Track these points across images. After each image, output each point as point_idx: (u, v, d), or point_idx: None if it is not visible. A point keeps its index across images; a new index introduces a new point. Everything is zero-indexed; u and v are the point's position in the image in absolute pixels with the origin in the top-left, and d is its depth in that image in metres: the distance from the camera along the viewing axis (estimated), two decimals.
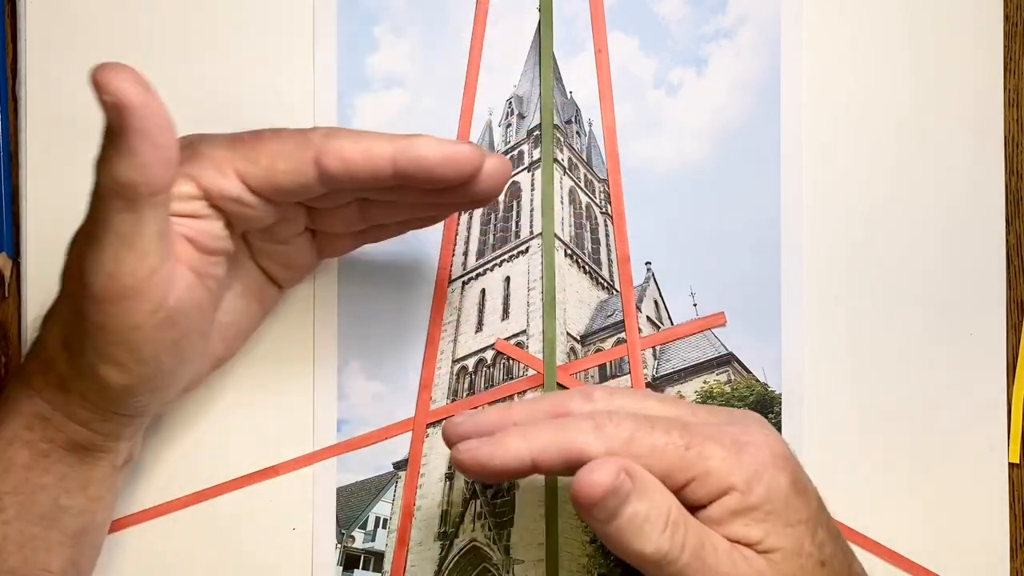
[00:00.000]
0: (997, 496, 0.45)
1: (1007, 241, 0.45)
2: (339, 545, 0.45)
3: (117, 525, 0.44)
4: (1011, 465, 0.45)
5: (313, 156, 0.35)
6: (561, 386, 0.45)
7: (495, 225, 0.45)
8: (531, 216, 0.45)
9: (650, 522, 0.33)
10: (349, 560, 0.45)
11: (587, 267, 0.45)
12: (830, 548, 0.35)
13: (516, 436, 0.34)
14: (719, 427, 0.35)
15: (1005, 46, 0.45)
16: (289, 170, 0.35)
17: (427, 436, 0.45)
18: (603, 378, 0.45)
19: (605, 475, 0.32)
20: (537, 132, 0.45)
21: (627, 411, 0.35)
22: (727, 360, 0.45)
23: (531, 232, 0.45)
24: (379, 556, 0.45)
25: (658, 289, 0.45)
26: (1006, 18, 0.45)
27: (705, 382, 0.45)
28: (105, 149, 0.32)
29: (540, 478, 0.45)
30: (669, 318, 0.45)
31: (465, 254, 0.46)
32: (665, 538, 0.33)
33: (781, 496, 0.34)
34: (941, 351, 0.45)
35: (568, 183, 0.45)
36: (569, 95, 0.45)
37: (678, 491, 0.34)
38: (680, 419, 0.36)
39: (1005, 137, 0.45)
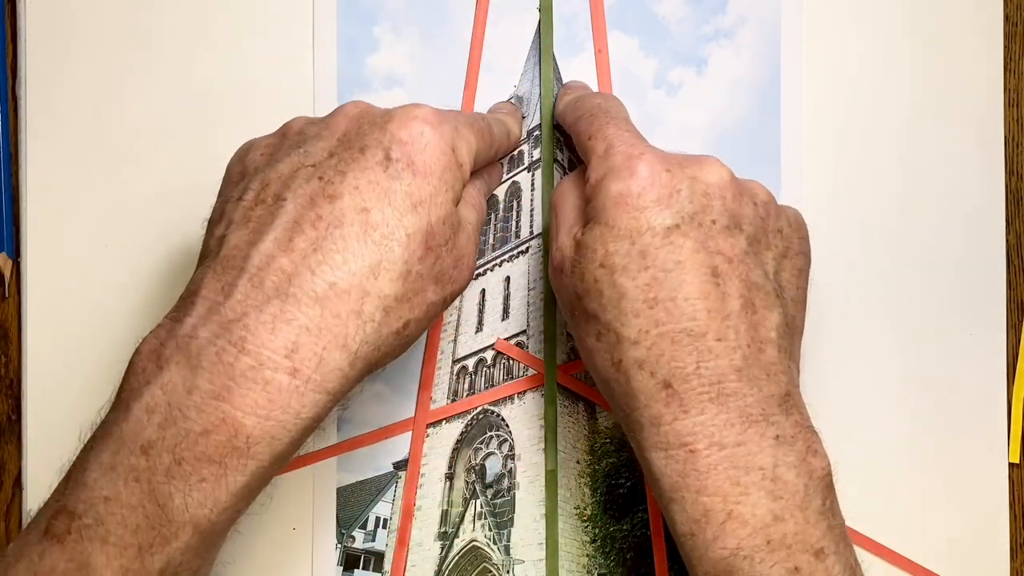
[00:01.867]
0: (997, 496, 0.45)
1: (1007, 241, 0.45)
2: (339, 545, 0.45)
3: None
4: (1011, 465, 0.45)
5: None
6: (561, 386, 0.45)
7: (495, 225, 0.45)
8: (531, 216, 0.45)
9: None
10: (349, 560, 0.45)
11: None
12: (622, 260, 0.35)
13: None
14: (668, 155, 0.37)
15: (1005, 46, 0.45)
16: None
17: (427, 436, 0.45)
18: None
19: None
20: (537, 132, 0.45)
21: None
22: None
23: (531, 232, 0.45)
24: (379, 556, 0.45)
25: None
26: (1006, 18, 0.45)
27: None
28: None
29: (540, 478, 0.45)
30: None
31: None
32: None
33: (608, 207, 0.36)
34: (941, 351, 0.45)
35: None
36: None
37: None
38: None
39: (1005, 137, 0.45)
